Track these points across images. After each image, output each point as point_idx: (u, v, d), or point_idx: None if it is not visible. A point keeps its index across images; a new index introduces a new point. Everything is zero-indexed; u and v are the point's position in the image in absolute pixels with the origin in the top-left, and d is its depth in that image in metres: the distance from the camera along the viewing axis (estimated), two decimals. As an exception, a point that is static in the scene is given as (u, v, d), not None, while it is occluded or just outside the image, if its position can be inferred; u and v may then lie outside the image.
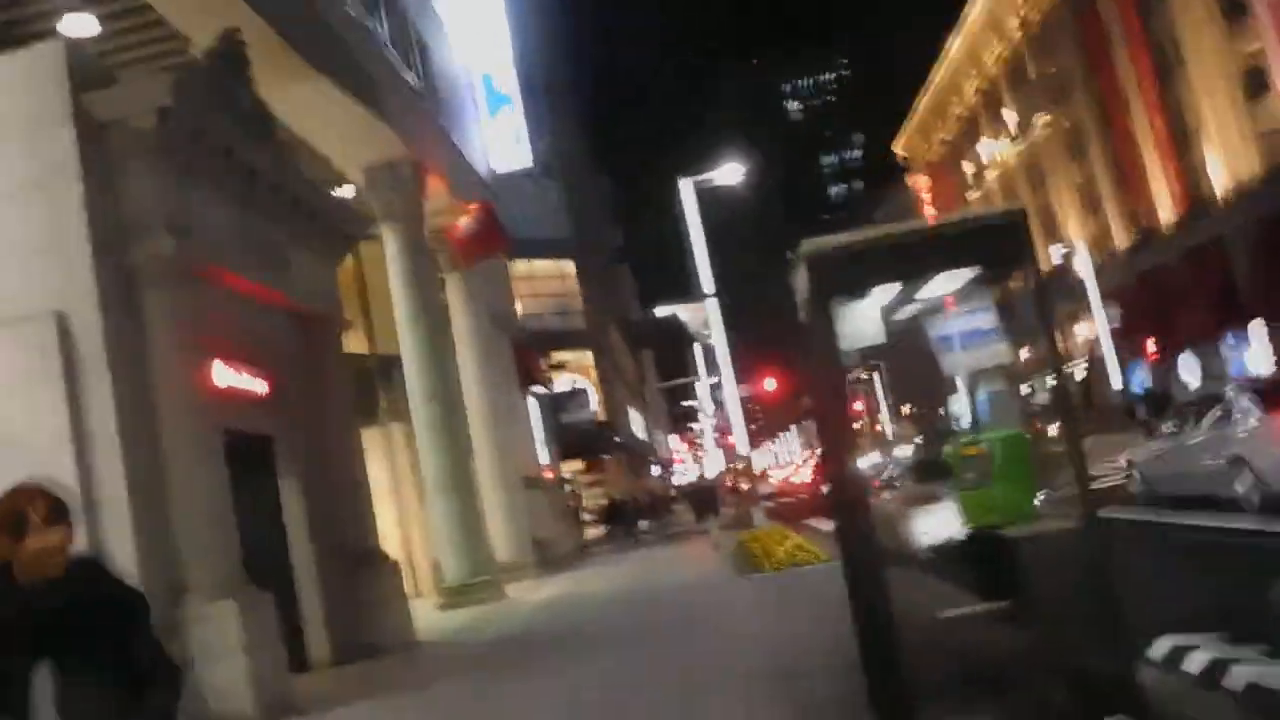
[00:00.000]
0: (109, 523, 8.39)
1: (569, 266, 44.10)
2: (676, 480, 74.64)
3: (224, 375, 10.82)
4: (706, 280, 24.97)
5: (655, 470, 71.11)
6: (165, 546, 8.81)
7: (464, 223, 19.84)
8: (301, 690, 9.61)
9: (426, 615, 15.12)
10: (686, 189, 24.73)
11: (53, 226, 8.75)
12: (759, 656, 7.77)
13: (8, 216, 8.78)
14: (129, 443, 8.65)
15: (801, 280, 4.89)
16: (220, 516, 9.41)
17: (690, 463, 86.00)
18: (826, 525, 23.89)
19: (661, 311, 34.18)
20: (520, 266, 36.06)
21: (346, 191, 17.84)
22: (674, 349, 68.14)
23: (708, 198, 26.77)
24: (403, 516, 18.93)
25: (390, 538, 19.10)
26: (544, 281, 41.83)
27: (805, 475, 60.74)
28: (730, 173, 27.17)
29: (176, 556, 8.89)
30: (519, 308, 32.92)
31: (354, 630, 11.86)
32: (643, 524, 35.29)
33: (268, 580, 10.99)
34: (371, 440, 19.22)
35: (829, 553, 13.84)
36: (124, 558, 8.34)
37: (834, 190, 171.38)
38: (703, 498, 37.40)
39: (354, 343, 19.55)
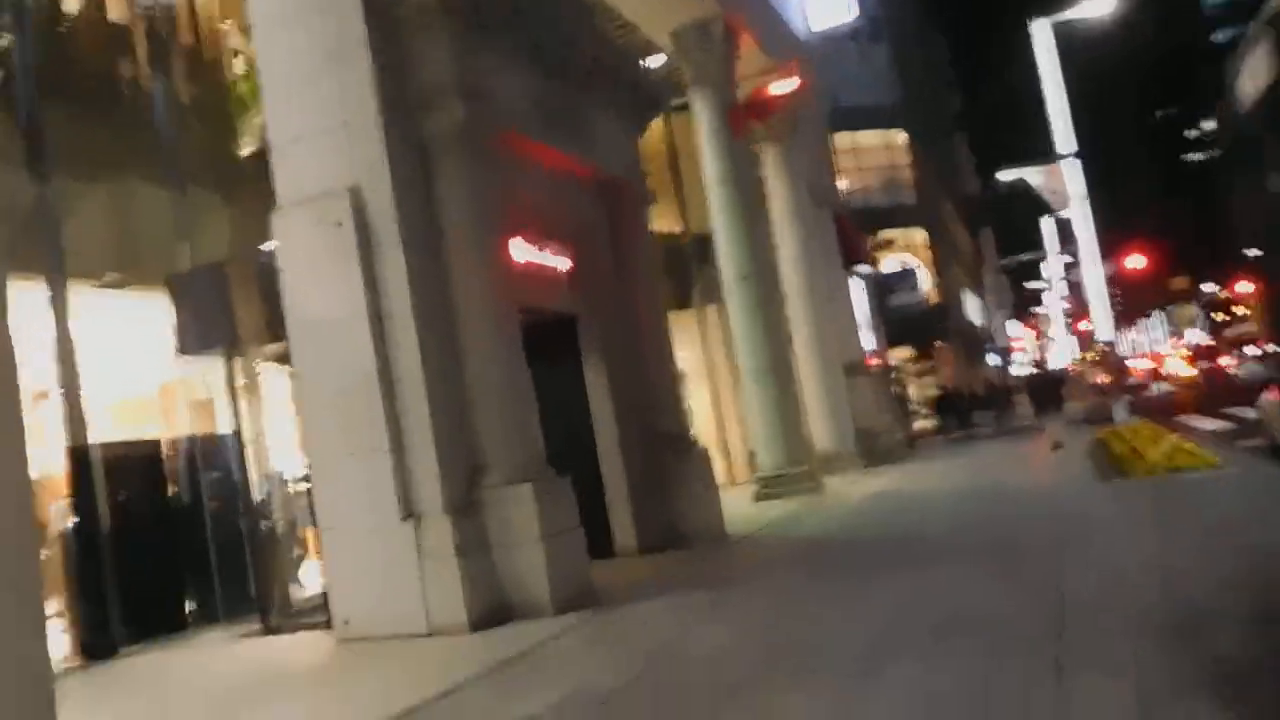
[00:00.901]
0: (406, 401, 8.17)
1: (898, 136, 40.98)
2: (1016, 370, 69.48)
3: (523, 250, 10.37)
4: (1064, 137, 21.69)
5: (992, 359, 66.51)
6: (462, 426, 8.50)
7: (776, 84, 18.27)
8: (603, 579, 9.14)
9: (739, 506, 14.43)
10: (1041, 31, 21.41)
11: (344, 101, 8.43)
12: (1150, 595, 5.99)
13: (304, 97, 8.57)
14: (424, 320, 8.32)
15: (1259, 67, 3.14)
16: (519, 397, 8.99)
17: (1032, 350, 79.70)
18: (1208, 424, 20.60)
19: (1007, 176, 30.71)
20: (844, 138, 33.83)
21: (656, 61, 16.88)
22: (1017, 225, 62.40)
23: (1063, 46, 23.15)
24: (716, 402, 18.30)
25: (702, 424, 18.60)
26: (870, 153, 39.19)
27: (1177, 366, 53.88)
28: (1098, 5, 23.17)
29: (474, 437, 8.57)
30: (842, 182, 30.93)
31: (660, 519, 11.32)
32: (978, 416, 32.72)
33: (570, 465, 10.61)
34: (684, 323, 18.65)
35: (1221, 456, 11.39)
36: (421, 437, 8.11)
37: (1219, 36, 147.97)
38: (1047, 390, 34.07)
39: (666, 221, 18.87)
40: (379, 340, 8.22)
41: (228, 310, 9.49)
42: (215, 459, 10.36)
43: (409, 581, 7.98)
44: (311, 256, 8.40)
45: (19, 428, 4.35)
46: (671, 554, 10.89)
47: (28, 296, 9.06)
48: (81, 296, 9.44)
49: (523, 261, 10.35)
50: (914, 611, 6.53)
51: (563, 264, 11.19)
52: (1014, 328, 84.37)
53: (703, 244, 18.32)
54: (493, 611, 8.03)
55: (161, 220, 10.12)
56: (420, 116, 8.72)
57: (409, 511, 8.10)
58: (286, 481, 10.45)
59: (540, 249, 10.73)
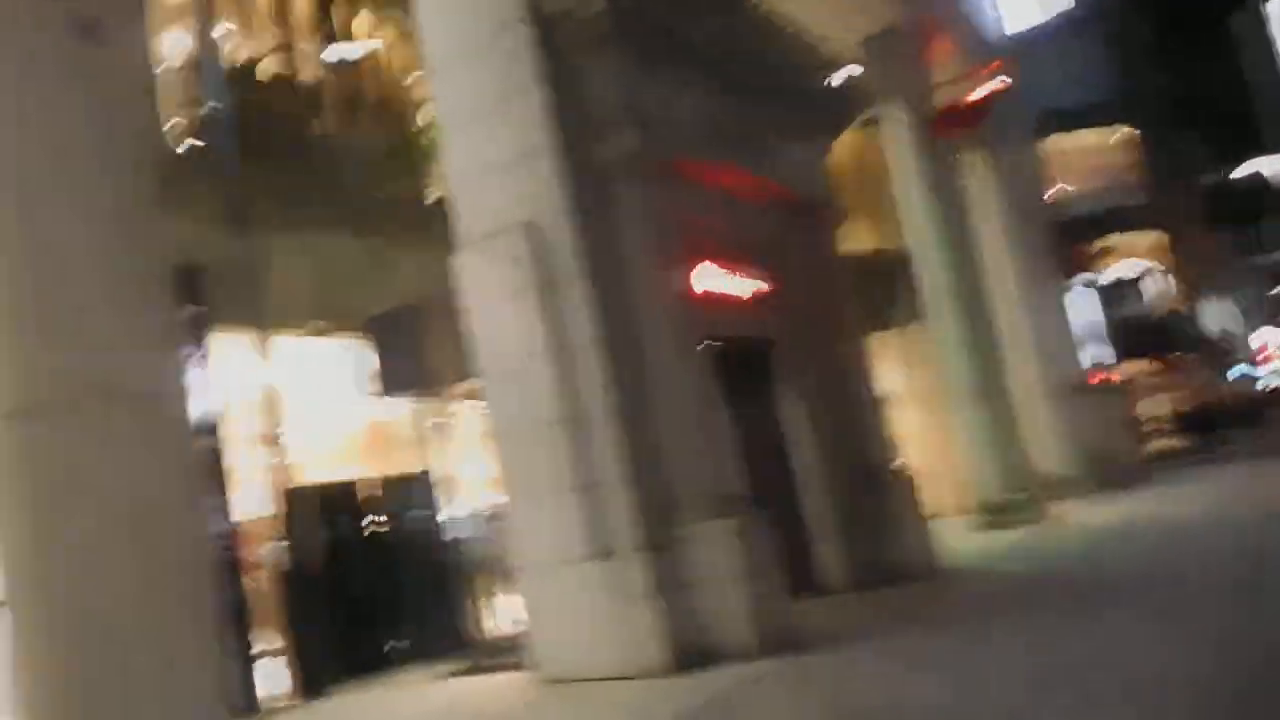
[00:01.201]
0: (595, 437, 7.96)
1: (1118, 134, 38.06)
2: (1268, 380, 62.77)
3: (708, 277, 10.02)
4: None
5: (1240, 369, 60.45)
6: (655, 462, 8.20)
7: (976, 90, 17.19)
8: (807, 619, 8.57)
9: (955, 538, 13.42)
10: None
11: (519, 136, 8.41)
12: None
13: (479, 134, 8.62)
14: (608, 352, 8.12)
15: None
16: (711, 429, 8.62)
17: (1287, 359, 71.80)
18: None
19: (1251, 168, 27.77)
20: (1057, 141, 31.70)
21: (843, 74, 16.26)
22: (1267, 221, 56.66)
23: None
24: (924, 427, 17.27)
25: (911, 451, 17.61)
26: (1087, 155, 36.57)
27: None
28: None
29: (668, 472, 8.24)
30: (1057, 188, 28.94)
31: (868, 553, 10.60)
32: (1228, 434, 29.56)
33: (768, 498, 10.12)
34: (886, 344, 17.77)
35: None
36: (612, 473, 7.86)
37: None
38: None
39: (861, 239, 18.12)
40: (564, 376, 8.06)
41: (422, 351, 9.64)
42: (414, 498, 10.54)
43: (605, 622, 7.72)
44: (491, 294, 8.37)
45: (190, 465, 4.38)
46: (881, 591, 10.15)
47: (237, 348, 9.56)
48: (286, 345, 9.86)
49: (708, 288, 10.00)
50: (1168, 668, 5.60)
51: (751, 289, 10.76)
52: (1267, 334, 76.48)
53: (902, 261, 17.43)
54: (692, 653, 7.63)
55: (357, 268, 10.47)
56: (595, 146, 8.58)
57: (603, 550, 7.86)
58: (483, 519, 10.50)
59: (726, 274, 10.35)
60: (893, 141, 16.03)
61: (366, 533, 10.39)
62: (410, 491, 10.54)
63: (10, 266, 4.17)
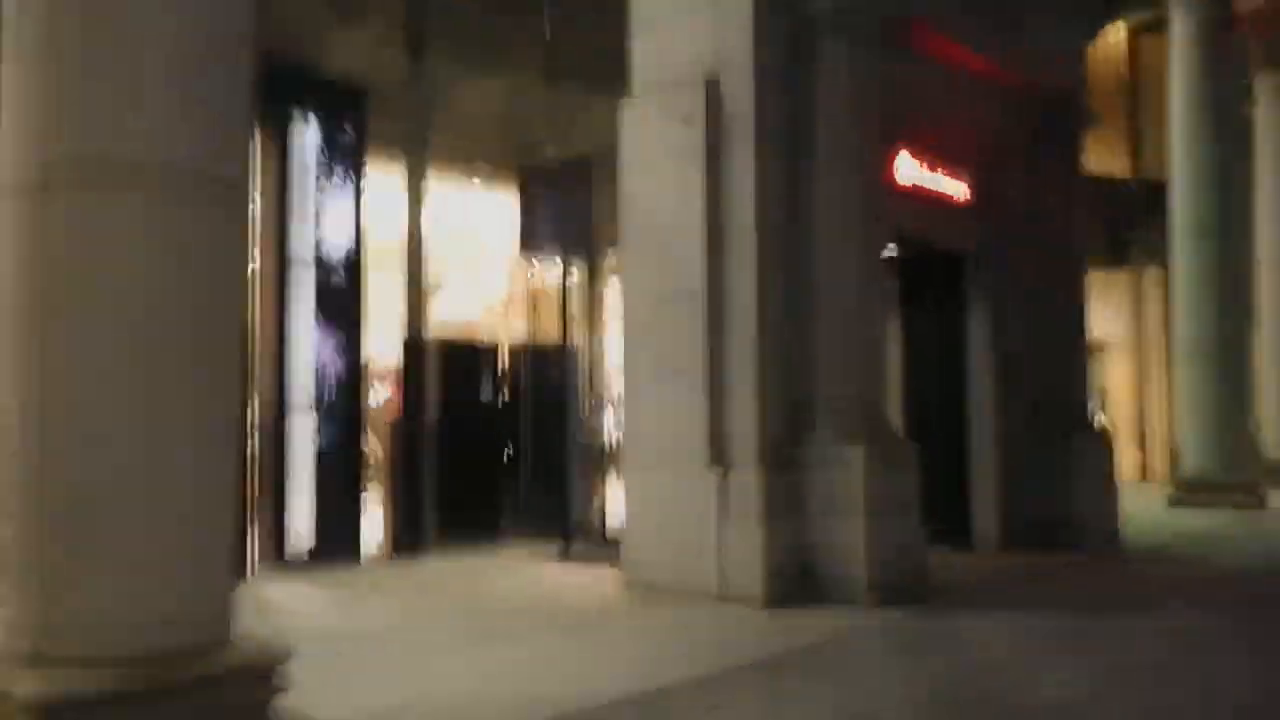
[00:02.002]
0: (732, 325, 7.07)
1: None
2: None
3: (910, 168, 8.75)
4: None
5: None
6: (795, 367, 7.25)
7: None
8: (946, 573, 7.58)
9: (1147, 510, 11.85)
10: None
11: (714, -24, 7.32)
12: None
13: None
14: (768, 234, 7.12)
15: None
16: (869, 342, 7.54)
17: None
18: None
19: None
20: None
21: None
22: None
23: None
24: (1140, 382, 15.32)
25: (1117, 406, 15.76)
26: None
27: None
28: None
29: (807, 381, 7.28)
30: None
31: (1037, 509, 9.34)
32: None
33: (931, 431, 9.05)
34: (1113, 284, 15.79)
35: None
36: (742, 369, 6.99)
37: None
38: None
39: (1108, 159, 15.90)
40: (713, 251, 7.14)
41: (578, 210, 8.92)
42: (548, 369, 10.00)
43: (707, 536, 6.97)
44: (653, 153, 7.46)
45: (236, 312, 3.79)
46: (1043, 555, 8.94)
47: (389, 181, 9.13)
48: (443, 186, 9.35)
49: (908, 182, 8.74)
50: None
51: (960, 190, 9.38)
52: None
53: (1155, 193, 15.20)
54: (796, 588, 6.82)
55: (535, 114, 9.76)
56: (803, -3, 7.38)
57: (718, 457, 7.06)
58: (612, 401, 9.89)
59: (933, 169, 9.01)
60: (1174, 46, 13.74)
61: (492, 398, 9.95)
62: (548, 363, 9.98)
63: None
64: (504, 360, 10.17)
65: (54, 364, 3.17)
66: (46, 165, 3.21)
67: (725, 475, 6.97)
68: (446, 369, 9.50)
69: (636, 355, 7.55)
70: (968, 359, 9.63)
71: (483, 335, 10.43)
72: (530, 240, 9.13)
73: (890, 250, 9.06)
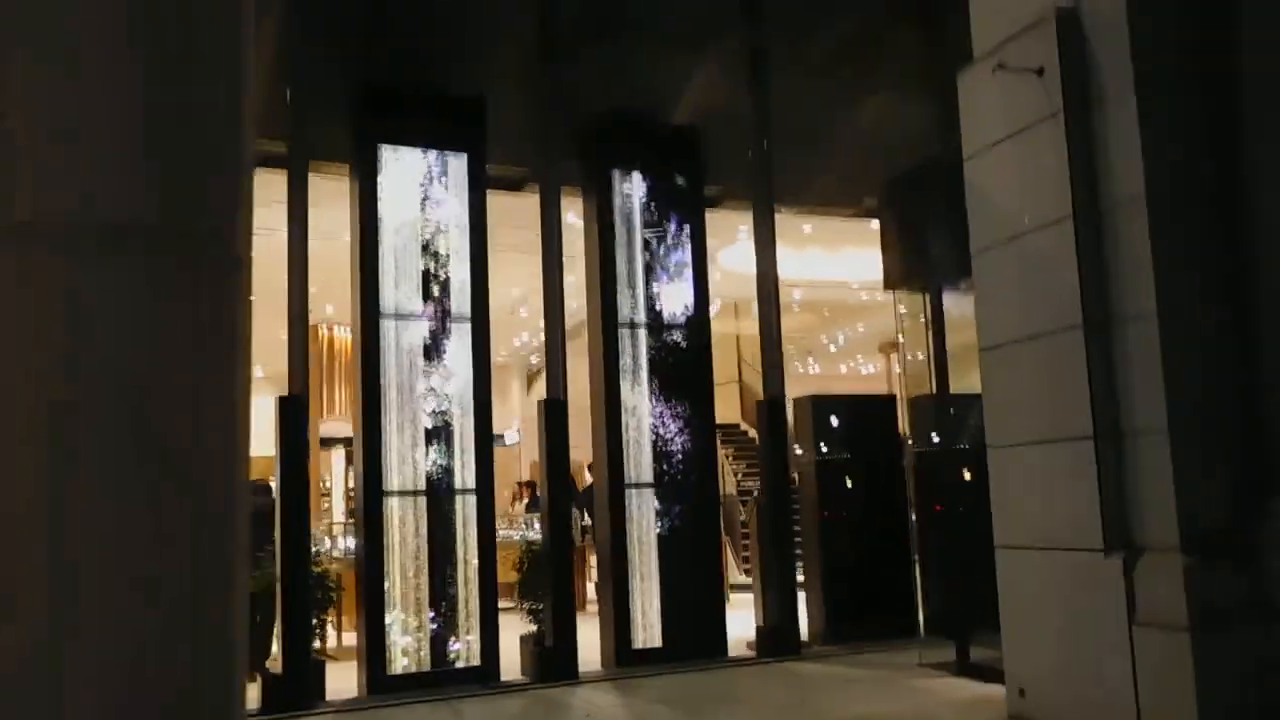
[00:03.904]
0: (1131, 354, 4.89)
1: None
2: None
3: None
4: None
5: None
6: (1238, 403, 4.83)
7: None
8: None
9: None
10: None
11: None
12: None
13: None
14: (1170, 217, 4.87)
15: None
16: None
17: None
18: None
19: None
20: None
21: None
22: None
23: None
24: None
25: None
26: None
27: None
28: None
29: (1267, 424, 4.81)
30: None
31: None
32: None
33: None
34: None
35: None
36: (1150, 414, 4.77)
37: None
38: None
39: None
40: (1089, 253, 5.07)
41: (948, 224, 7.15)
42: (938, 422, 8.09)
43: (1111, 653, 4.80)
44: (999, 128, 5.60)
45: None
46: None
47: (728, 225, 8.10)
48: (788, 222, 8.11)
49: None
50: None
51: None
52: None
53: None
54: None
55: (864, 119, 8.19)
56: None
57: (1120, 540, 4.87)
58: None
59: None
60: None
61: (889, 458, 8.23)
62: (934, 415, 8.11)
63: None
64: (904, 417, 8.47)
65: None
66: None
67: (1131, 565, 4.77)
68: (820, 428, 8.17)
69: (1001, 403, 5.61)
70: None
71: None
72: (891, 270, 7.51)
73: None
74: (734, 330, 15.98)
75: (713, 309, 12.68)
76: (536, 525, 10.02)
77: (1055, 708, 5.10)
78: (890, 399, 8.34)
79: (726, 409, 13.49)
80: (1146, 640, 4.66)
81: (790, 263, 10.43)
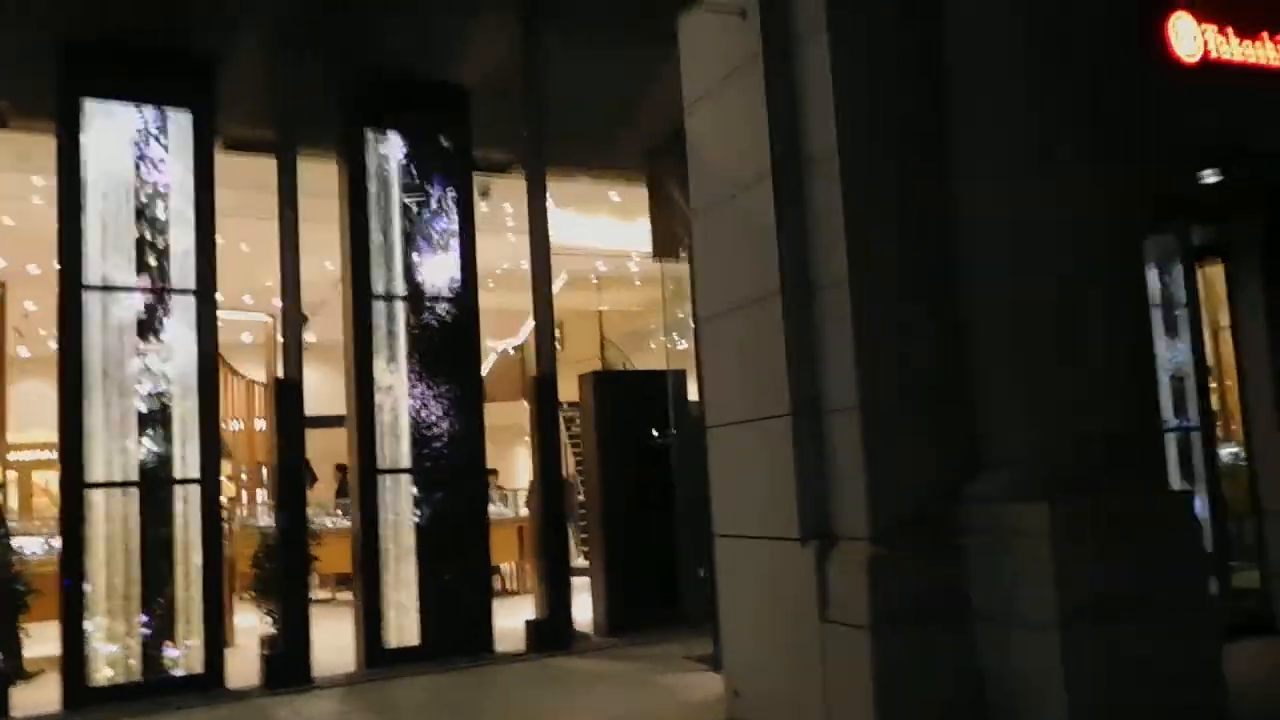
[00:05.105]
0: (827, 324, 4.43)
1: None
2: None
3: (1197, 36, 5.39)
4: None
5: None
6: (945, 378, 4.41)
7: None
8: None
9: None
10: None
11: None
12: None
13: None
14: (863, 170, 4.38)
15: None
16: (1107, 333, 4.40)
17: None
18: None
19: None
20: None
21: None
22: None
23: None
24: None
25: None
26: None
27: None
28: None
29: (978, 401, 4.39)
30: None
31: None
32: None
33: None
34: None
35: None
36: (844, 388, 4.30)
37: None
38: None
39: None
40: (789, 212, 4.58)
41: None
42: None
43: (805, 654, 4.36)
44: (712, 75, 5.09)
45: None
46: None
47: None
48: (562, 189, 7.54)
49: (1211, 59, 5.38)
50: None
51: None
52: None
53: None
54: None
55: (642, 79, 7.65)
56: None
57: (816, 528, 4.42)
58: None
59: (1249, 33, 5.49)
60: None
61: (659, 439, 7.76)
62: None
63: None
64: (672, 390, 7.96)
65: None
66: None
67: (824, 556, 4.33)
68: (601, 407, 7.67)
69: (712, 381, 5.15)
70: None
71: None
72: (662, 239, 7.01)
73: (1210, 175, 5.73)
74: (596, 305, 15.44)
75: (557, 283, 12.06)
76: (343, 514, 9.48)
77: (766, 711, 4.66)
78: (678, 374, 7.85)
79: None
80: (834, 639, 4.22)
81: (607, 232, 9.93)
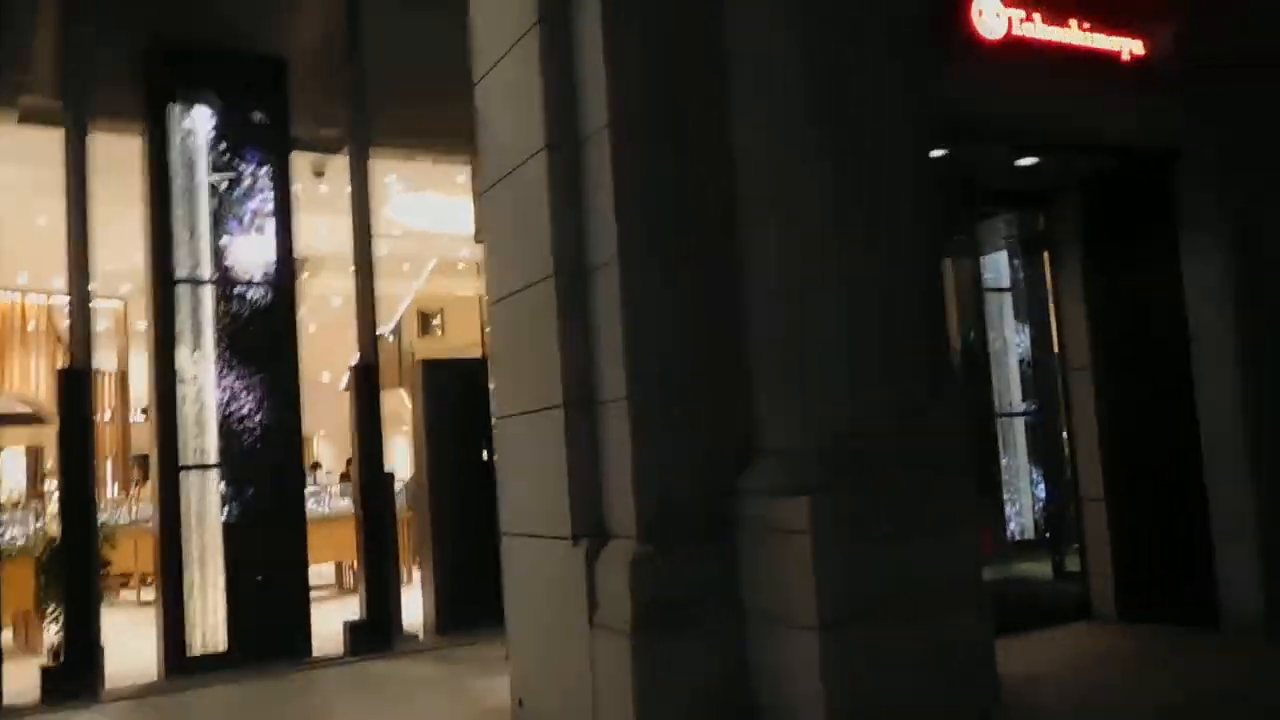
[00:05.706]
0: (600, 312, 4.17)
1: None
2: None
3: (1008, 16, 5.27)
4: None
5: None
6: (719, 365, 4.18)
7: None
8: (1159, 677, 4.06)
9: None
10: None
11: None
12: None
13: None
14: (638, 148, 4.14)
15: None
16: (879, 312, 4.21)
17: None
18: None
19: None
20: None
21: None
22: None
23: None
24: None
25: None
26: None
27: None
28: None
29: (757, 390, 4.17)
30: None
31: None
32: None
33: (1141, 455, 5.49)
34: None
35: None
36: (615, 380, 4.05)
37: None
38: None
39: None
40: (565, 190, 4.31)
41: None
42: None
43: (579, 656, 4.12)
44: (499, 40, 4.79)
45: None
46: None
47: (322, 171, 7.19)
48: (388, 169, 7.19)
49: (1014, 39, 5.26)
50: None
51: (1130, 45, 5.59)
52: None
53: None
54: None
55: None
56: None
57: (588, 526, 4.18)
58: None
59: (1057, 18, 5.39)
60: None
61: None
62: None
63: None
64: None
65: None
66: None
67: (594, 557, 4.09)
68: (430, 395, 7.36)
69: (496, 371, 4.89)
70: (1193, 327, 5.70)
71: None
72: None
73: (1027, 159, 5.66)
74: (477, 291, 15.11)
75: (425, 269, 11.70)
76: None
77: (545, 710, 4.41)
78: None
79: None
80: (602, 645, 3.99)
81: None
